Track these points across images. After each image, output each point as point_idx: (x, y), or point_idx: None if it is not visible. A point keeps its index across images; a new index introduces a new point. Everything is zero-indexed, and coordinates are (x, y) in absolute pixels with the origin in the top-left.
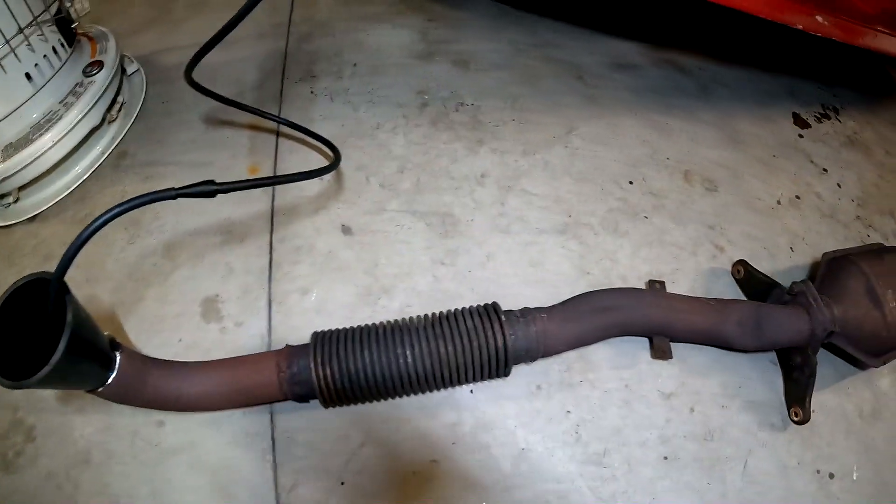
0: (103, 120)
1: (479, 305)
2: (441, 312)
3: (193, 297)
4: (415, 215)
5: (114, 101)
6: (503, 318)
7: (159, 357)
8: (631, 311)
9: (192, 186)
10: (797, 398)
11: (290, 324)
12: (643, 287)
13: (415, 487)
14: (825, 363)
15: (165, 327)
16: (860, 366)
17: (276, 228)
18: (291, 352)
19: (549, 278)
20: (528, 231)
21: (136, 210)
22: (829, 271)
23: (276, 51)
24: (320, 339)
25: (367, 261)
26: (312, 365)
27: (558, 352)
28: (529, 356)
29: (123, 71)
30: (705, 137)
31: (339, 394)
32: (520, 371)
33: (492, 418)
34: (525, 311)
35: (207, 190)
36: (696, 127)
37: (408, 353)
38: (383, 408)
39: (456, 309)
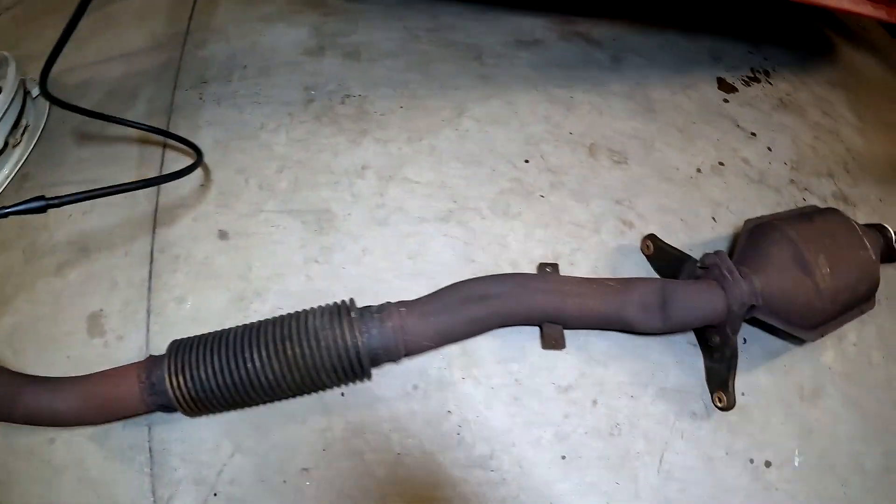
0: (6, 144)
1: (332, 303)
2: (293, 313)
3: (81, 314)
4: (290, 214)
5: (17, 125)
6: (354, 314)
7: (48, 376)
8: (510, 299)
9: (21, 203)
10: (720, 382)
11: (168, 334)
12: (534, 272)
13: (285, 498)
14: (756, 340)
15: (56, 345)
16: (796, 341)
17: (157, 238)
18: (151, 362)
19: (429, 269)
20: (408, 221)
21: (32, 231)
22: (751, 240)
23: (172, 60)
24: (175, 347)
25: (241, 265)
26: (166, 374)
27: (425, 348)
28: (388, 355)
29: (28, 94)
30: (615, 109)
31: (196, 402)
32: (394, 370)
33: (364, 422)
34: (383, 307)
35: (37, 206)
36: (605, 99)
37: (255, 357)
38: (253, 415)
39: (310, 308)
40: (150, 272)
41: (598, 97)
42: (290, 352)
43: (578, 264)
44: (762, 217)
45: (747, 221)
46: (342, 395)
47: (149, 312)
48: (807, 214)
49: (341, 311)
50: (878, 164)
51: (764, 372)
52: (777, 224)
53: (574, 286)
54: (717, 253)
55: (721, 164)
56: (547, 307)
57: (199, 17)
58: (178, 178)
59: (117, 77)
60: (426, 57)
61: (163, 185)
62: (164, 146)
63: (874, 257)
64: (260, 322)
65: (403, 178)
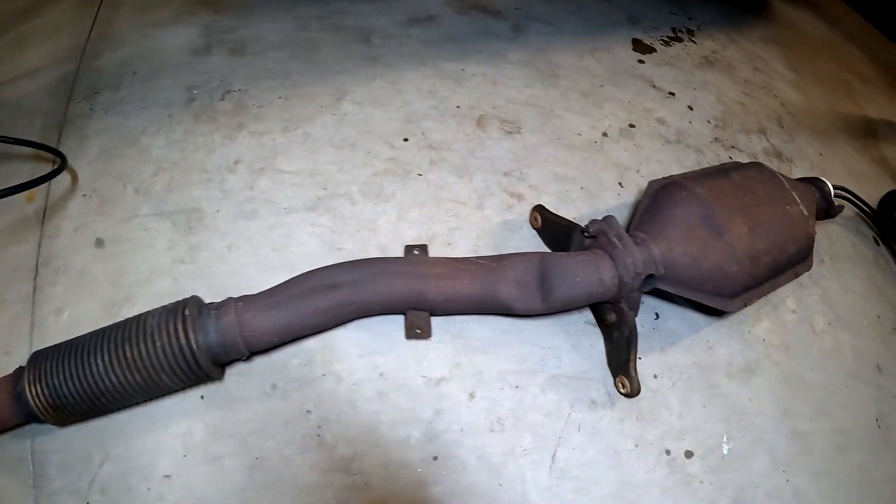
0: None
1: (171, 302)
2: (136, 315)
3: None
4: (162, 216)
5: None
6: (188, 312)
7: None
8: (365, 286)
9: None
10: (621, 365)
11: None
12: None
13: None
14: (672, 315)
15: None
16: (717, 313)
17: (41, 252)
18: (19, 373)
19: (293, 261)
20: (275, 213)
21: None
22: (655, 202)
23: (70, 73)
24: (35, 357)
25: (115, 272)
26: (26, 384)
27: (269, 344)
28: (229, 354)
29: None
30: (510, 78)
31: (56, 410)
32: (252, 369)
33: (223, 425)
34: (222, 303)
35: None
36: (501, 69)
37: (98, 361)
38: (120, 422)
39: (152, 309)
40: (35, 286)
41: (493, 68)
42: (128, 354)
43: (457, 244)
44: (670, 177)
45: (651, 183)
46: (202, 397)
47: (32, 326)
48: (724, 171)
49: (177, 309)
50: (817, 119)
51: (681, 350)
52: (684, 183)
53: (440, 267)
54: (605, 219)
55: (632, 126)
56: (407, 292)
57: (98, 28)
58: (38, 185)
59: (21, 95)
60: (313, 44)
61: (50, 199)
62: (54, 161)
63: (806, 213)
64: (108, 326)
65: (275, 170)
